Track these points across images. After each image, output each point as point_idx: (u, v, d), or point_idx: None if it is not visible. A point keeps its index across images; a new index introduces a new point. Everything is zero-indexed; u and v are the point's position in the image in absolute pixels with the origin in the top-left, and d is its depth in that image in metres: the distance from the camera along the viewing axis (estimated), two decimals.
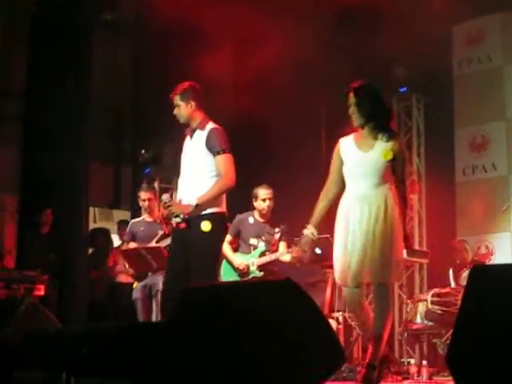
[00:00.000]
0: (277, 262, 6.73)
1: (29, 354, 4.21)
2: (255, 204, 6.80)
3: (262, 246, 6.77)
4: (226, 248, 6.54)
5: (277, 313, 3.28)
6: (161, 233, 6.92)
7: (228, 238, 6.39)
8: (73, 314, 8.10)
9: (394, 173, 4.58)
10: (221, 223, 4.98)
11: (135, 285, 7.12)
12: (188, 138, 5.13)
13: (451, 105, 9.16)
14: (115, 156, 10.74)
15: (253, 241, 6.78)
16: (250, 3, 8.02)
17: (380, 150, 4.53)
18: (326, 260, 7.00)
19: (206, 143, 4.96)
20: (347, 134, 4.69)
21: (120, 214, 10.32)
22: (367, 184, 4.54)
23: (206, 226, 4.87)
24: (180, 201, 5.02)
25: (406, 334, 7.88)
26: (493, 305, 2.99)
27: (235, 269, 6.72)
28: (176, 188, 5.39)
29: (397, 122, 8.69)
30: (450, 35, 9.19)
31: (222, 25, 8.47)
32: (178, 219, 4.92)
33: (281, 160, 9.25)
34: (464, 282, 6.76)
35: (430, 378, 6.37)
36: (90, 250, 9.26)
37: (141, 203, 7.40)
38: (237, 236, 6.83)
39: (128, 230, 7.47)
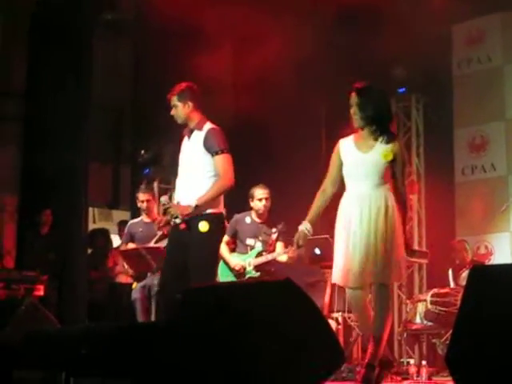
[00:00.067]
0: (274, 262, 6.72)
1: (28, 354, 4.22)
2: (252, 204, 6.80)
3: (258, 246, 6.76)
4: (223, 248, 6.51)
5: (276, 313, 3.28)
6: (160, 233, 6.91)
7: (225, 238, 6.37)
8: (72, 314, 8.09)
9: (394, 174, 4.58)
10: (218, 223, 4.97)
11: (134, 285, 7.11)
12: (186, 138, 5.13)
13: (450, 105, 9.16)
14: (115, 156, 10.73)
15: (250, 241, 6.78)
16: (250, 3, 8.01)
17: (380, 150, 4.53)
18: (325, 260, 7.01)
19: (204, 143, 4.95)
20: (347, 134, 4.69)
21: (119, 215, 10.32)
22: (367, 185, 4.54)
23: (203, 226, 4.86)
24: (179, 202, 5.02)
25: (405, 334, 7.87)
26: (492, 305, 2.99)
27: (231, 269, 6.72)
28: (174, 189, 5.39)
29: (396, 122, 8.68)
30: (449, 35, 9.19)
31: (222, 25, 8.47)
32: (177, 220, 4.91)
33: (280, 160, 9.23)
34: (463, 282, 6.75)
35: (429, 378, 6.36)
36: (90, 251, 9.25)
37: (139, 204, 7.39)
38: (234, 236, 6.83)
39: (126, 230, 7.46)
